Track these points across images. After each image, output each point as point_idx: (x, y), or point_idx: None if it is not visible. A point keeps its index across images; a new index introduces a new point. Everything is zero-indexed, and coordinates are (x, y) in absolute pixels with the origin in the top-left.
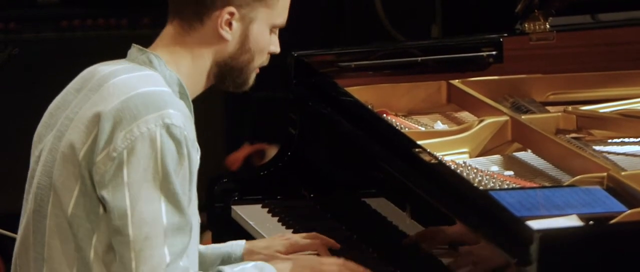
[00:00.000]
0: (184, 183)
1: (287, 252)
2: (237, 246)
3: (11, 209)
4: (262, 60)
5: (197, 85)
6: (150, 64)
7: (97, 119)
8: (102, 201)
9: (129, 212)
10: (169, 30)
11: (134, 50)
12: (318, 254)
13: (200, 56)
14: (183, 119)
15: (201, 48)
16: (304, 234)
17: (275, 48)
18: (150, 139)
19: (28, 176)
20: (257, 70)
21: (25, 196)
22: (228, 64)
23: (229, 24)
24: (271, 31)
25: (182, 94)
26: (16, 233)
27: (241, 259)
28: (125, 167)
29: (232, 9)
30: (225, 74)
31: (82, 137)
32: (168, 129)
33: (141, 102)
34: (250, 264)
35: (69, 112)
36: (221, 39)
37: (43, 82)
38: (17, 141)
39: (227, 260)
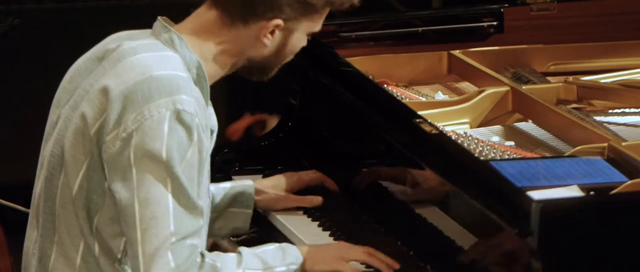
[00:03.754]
0: (191, 168)
1: (293, 189)
2: (247, 185)
3: (15, 180)
4: (288, 58)
5: (218, 72)
6: (172, 43)
7: (110, 95)
8: (108, 180)
9: (135, 192)
10: (207, 15)
11: (159, 24)
12: (323, 190)
13: (231, 51)
14: (195, 105)
15: (236, 45)
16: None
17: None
18: (160, 122)
19: (43, 139)
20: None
21: (40, 160)
22: (259, 62)
23: (272, 33)
24: (307, 36)
25: (200, 77)
26: (19, 204)
27: (253, 196)
28: (132, 148)
29: (279, 21)
30: (252, 69)
31: (94, 112)
32: (178, 114)
33: (155, 85)
34: (273, 245)
35: (86, 83)
36: (260, 44)
37: (44, 53)
38: (18, 112)
39: (240, 198)
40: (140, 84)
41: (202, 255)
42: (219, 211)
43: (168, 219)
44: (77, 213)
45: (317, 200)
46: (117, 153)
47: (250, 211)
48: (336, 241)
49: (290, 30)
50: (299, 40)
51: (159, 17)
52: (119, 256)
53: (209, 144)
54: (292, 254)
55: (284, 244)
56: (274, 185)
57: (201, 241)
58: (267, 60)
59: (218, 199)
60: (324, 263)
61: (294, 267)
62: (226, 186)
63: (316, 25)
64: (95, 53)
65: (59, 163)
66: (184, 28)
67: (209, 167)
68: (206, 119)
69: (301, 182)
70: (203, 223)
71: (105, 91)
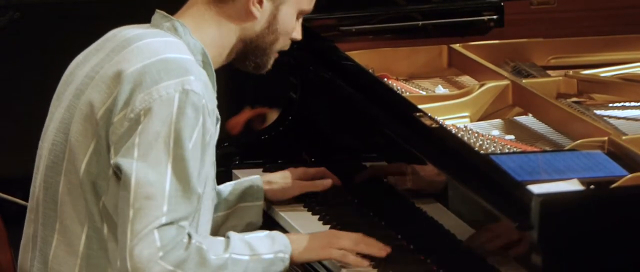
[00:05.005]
0: (195, 150)
1: (299, 178)
2: (255, 179)
3: (16, 173)
4: (284, 44)
5: (219, 57)
6: (175, 31)
7: (118, 78)
8: (112, 160)
9: (134, 170)
10: (197, 2)
11: (158, 16)
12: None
13: (227, 30)
14: (203, 88)
15: (229, 22)
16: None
17: (298, 35)
18: (167, 103)
19: (43, 132)
20: (277, 55)
21: (38, 152)
22: (253, 42)
23: (260, 2)
24: (297, 16)
25: (205, 64)
26: (16, 197)
27: (262, 188)
28: (139, 128)
29: None
30: (248, 52)
31: (102, 96)
32: (187, 95)
33: (163, 67)
34: (263, 233)
35: (89, 71)
36: (250, 15)
37: (44, 47)
38: (17, 105)
39: (250, 191)
40: (150, 66)
41: (190, 236)
42: (229, 208)
43: (162, 200)
44: (86, 197)
45: (327, 183)
46: (124, 133)
47: (261, 203)
48: (326, 230)
49: (278, 1)
50: (289, 16)
51: (156, 10)
52: None
53: (214, 130)
54: (281, 242)
55: (274, 232)
56: (282, 176)
57: (192, 225)
58: (260, 39)
59: (226, 195)
60: (314, 251)
61: (282, 255)
62: (233, 183)
63: (305, 1)
64: (94, 46)
65: (61, 150)
66: (182, 16)
67: (214, 157)
68: (213, 104)
69: (307, 174)
70: (196, 208)
71: (117, 75)
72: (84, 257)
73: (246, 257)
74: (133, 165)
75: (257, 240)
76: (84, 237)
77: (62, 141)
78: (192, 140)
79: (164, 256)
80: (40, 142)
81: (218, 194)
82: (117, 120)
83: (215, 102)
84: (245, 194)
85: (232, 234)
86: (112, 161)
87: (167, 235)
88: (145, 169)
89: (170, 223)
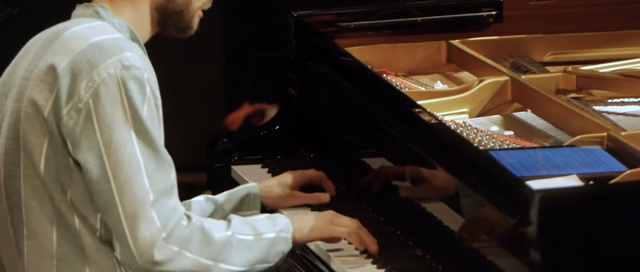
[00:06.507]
0: (153, 121)
1: (298, 185)
2: (252, 187)
3: None
4: (202, 2)
5: (143, 31)
6: (97, 15)
7: (55, 73)
8: (72, 155)
9: (104, 158)
10: None
11: (80, 8)
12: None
13: (140, 4)
14: (141, 61)
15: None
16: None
17: None
18: (112, 83)
19: None
20: (201, 14)
21: None
22: (166, 8)
23: None
24: None
25: (134, 40)
26: None
27: (259, 196)
28: (93, 115)
29: None
30: (165, 19)
31: (44, 93)
32: (129, 70)
33: (97, 50)
34: (264, 215)
35: (23, 73)
36: None
37: None
38: None
39: (246, 199)
40: (83, 52)
41: (188, 216)
42: (225, 216)
43: (142, 177)
44: (52, 195)
45: (324, 197)
46: (78, 124)
47: (257, 212)
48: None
49: None
50: None
51: (77, 4)
52: (98, 233)
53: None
54: (283, 222)
55: (274, 214)
56: (279, 182)
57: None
58: (172, 4)
59: (221, 203)
60: (317, 230)
61: (284, 234)
62: (230, 191)
63: None
64: (23, 52)
65: (16, 157)
66: (98, 2)
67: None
68: (154, 75)
69: (305, 177)
70: (174, 177)
71: (51, 69)
72: (59, 258)
73: (250, 237)
74: (102, 154)
75: (258, 221)
76: (55, 237)
77: (14, 148)
78: (146, 112)
79: (168, 237)
80: None
81: (214, 202)
82: (65, 113)
83: (154, 75)
84: (243, 203)
85: (233, 217)
86: (76, 157)
87: (164, 214)
88: (114, 153)
89: (159, 198)
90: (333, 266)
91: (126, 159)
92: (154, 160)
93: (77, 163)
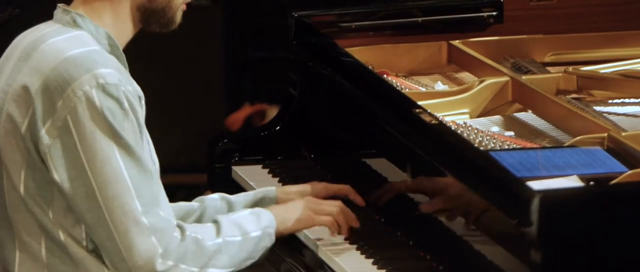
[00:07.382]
0: (134, 135)
1: (320, 197)
2: (269, 190)
3: None
4: None
5: (124, 32)
6: (74, 24)
7: (29, 91)
8: (54, 172)
9: (90, 177)
10: None
11: (59, 11)
12: (346, 201)
13: (119, 5)
14: (117, 75)
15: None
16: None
17: None
18: (88, 101)
19: None
20: (184, 7)
21: None
22: (147, 7)
23: None
24: None
25: (113, 46)
26: None
27: (276, 201)
28: (75, 135)
29: None
30: (148, 17)
31: (20, 110)
32: (104, 88)
33: (71, 65)
34: (247, 211)
35: (3, 85)
36: None
37: None
38: None
39: (261, 204)
40: (57, 68)
41: (182, 228)
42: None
43: (130, 192)
44: (33, 210)
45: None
46: (57, 143)
47: None
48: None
49: None
50: None
51: (58, 5)
52: (84, 243)
53: (141, 110)
54: (266, 217)
55: (257, 209)
56: (299, 191)
57: (169, 214)
58: (153, 2)
59: (237, 206)
60: (301, 221)
61: (270, 230)
62: (247, 193)
63: None
64: (6, 55)
65: None
66: (77, 6)
67: (147, 135)
68: (132, 86)
69: (328, 190)
70: (159, 186)
71: (25, 89)
72: (50, 267)
73: (238, 238)
74: (87, 173)
75: (243, 219)
76: (43, 247)
77: None
78: (126, 126)
79: (164, 253)
80: None
81: (228, 202)
82: (43, 132)
83: (133, 82)
84: (257, 206)
85: (221, 217)
86: (55, 177)
87: (156, 223)
88: (100, 171)
89: (148, 210)
90: (333, 266)
91: (112, 176)
92: (138, 173)
93: (58, 180)
